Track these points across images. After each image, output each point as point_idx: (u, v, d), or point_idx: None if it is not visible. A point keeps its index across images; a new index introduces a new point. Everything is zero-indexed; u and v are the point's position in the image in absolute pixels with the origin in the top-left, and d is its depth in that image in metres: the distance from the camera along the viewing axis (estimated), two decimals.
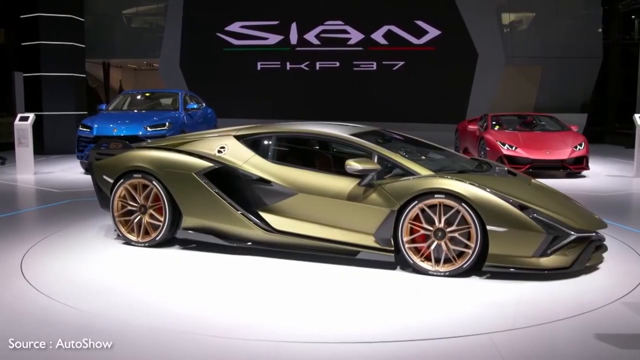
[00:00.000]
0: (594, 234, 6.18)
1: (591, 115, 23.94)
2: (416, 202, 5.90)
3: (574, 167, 13.47)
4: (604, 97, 28.56)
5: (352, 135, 6.84)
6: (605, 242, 6.45)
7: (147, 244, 7.00)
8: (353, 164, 6.10)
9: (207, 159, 6.90)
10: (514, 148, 13.42)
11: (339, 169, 6.70)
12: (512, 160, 13.10)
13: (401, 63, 24.02)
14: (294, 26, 24.12)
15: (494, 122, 15.10)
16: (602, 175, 14.00)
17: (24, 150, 13.92)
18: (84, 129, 13.62)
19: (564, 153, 13.42)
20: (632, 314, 4.96)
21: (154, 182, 6.92)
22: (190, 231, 6.90)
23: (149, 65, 29.99)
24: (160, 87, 23.24)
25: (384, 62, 24.09)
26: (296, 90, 24.16)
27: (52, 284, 5.68)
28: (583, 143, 13.73)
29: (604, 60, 24.21)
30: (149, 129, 13.38)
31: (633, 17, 31.01)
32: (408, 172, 6.23)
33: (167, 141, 7.64)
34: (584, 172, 13.88)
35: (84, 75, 20.22)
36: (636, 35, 30.83)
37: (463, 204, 5.74)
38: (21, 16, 19.02)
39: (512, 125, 15.31)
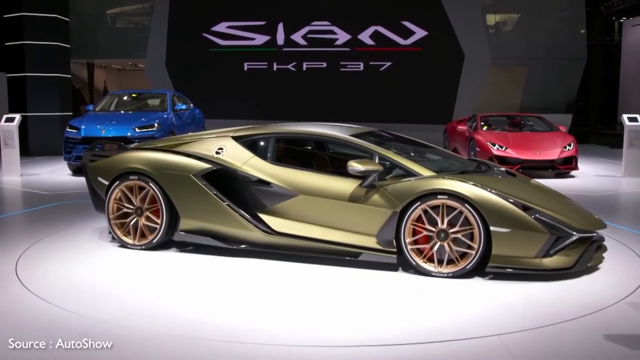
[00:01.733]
0: (595, 234, 6.18)
1: (575, 116, 24.05)
2: (419, 203, 5.87)
3: (564, 167, 13.52)
4: (587, 98, 28.75)
5: (351, 135, 6.79)
6: (604, 242, 6.45)
7: (143, 247, 6.91)
8: (355, 165, 6.05)
9: (205, 160, 6.82)
10: (504, 148, 13.45)
11: (339, 170, 6.66)
12: (502, 160, 13.10)
13: (388, 63, 24.04)
14: (280, 26, 24.08)
15: (483, 123, 15.13)
16: (590, 175, 14.07)
17: (10, 151, 13.77)
18: (72, 130, 13.49)
19: (553, 153, 13.47)
20: (638, 314, 4.95)
21: (150, 184, 6.83)
22: (188, 233, 6.82)
23: (133, 65, 29.82)
24: (145, 88, 23.11)
25: (371, 63, 24.10)
26: (283, 91, 24.12)
27: (49, 288, 5.58)
28: (572, 143, 13.81)
29: (587, 61, 24.34)
30: (137, 130, 13.27)
31: (614, 18, 31.24)
32: (410, 173, 6.20)
33: (163, 142, 7.54)
34: (573, 172, 13.95)
35: (69, 76, 20.03)
36: (617, 37, 31.04)
37: (466, 205, 5.72)
38: (4, 15, 18.81)
39: (501, 125, 15.37)
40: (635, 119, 13.78)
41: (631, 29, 26.38)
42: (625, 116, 13.92)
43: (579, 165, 14.04)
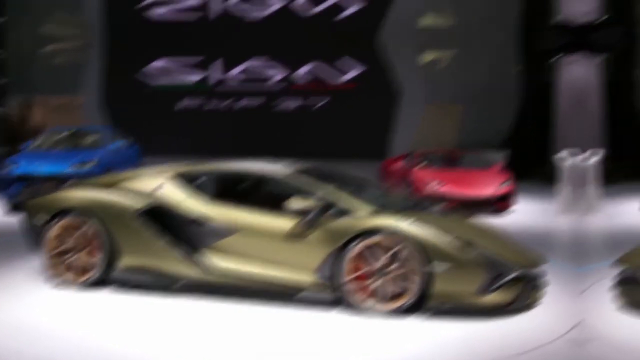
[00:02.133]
0: (534, 270, 6.28)
1: (510, 153, 24.45)
2: (358, 240, 5.89)
3: (500, 204, 13.66)
4: (522, 135, 29.32)
5: (291, 172, 6.83)
6: (543, 279, 6.54)
7: (81, 285, 6.76)
8: (294, 203, 6.08)
9: (145, 197, 6.76)
10: (441, 185, 13.54)
11: (279, 207, 6.62)
12: (439, 197, 13.15)
13: (325, 100, 24.20)
14: (217, 63, 24.10)
15: (419, 160, 15.21)
16: (527, 211, 14.21)
17: None
18: (8, 168, 13.23)
19: (489, 190, 13.61)
20: (578, 350, 5.04)
21: (89, 222, 6.72)
22: (127, 271, 6.72)
23: (70, 102, 29.38)
24: (82, 125, 22.76)
25: (307, 99, 24.23)
26: (220, 128, 23.99)
27: None
28: (508, 180, 13.98)
29: (521, 98, 24.88)
30: (74, 167, 13.08)
31: (548, 56, 32.00)
32: (349, 210, 6.22)
33: (102, 179, 7.45)
34: (510, 209, 14.08)
35: (4, 113, 19.61)
36: (551, 74, 31.76)
37: (406, 242, 5.75)
38: None
39: (438, 162, 15.47)
40: (571, 156, 14.01)
41: (566, 67, 27.08)
42: (561, 153, 14.16)
43: (516, 201, 14.22)
